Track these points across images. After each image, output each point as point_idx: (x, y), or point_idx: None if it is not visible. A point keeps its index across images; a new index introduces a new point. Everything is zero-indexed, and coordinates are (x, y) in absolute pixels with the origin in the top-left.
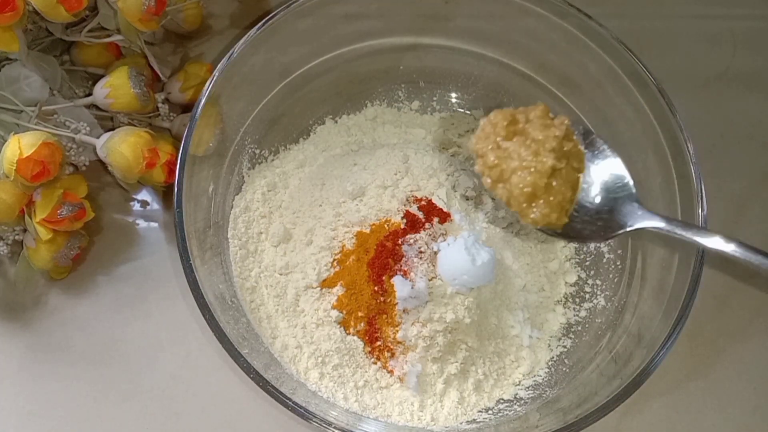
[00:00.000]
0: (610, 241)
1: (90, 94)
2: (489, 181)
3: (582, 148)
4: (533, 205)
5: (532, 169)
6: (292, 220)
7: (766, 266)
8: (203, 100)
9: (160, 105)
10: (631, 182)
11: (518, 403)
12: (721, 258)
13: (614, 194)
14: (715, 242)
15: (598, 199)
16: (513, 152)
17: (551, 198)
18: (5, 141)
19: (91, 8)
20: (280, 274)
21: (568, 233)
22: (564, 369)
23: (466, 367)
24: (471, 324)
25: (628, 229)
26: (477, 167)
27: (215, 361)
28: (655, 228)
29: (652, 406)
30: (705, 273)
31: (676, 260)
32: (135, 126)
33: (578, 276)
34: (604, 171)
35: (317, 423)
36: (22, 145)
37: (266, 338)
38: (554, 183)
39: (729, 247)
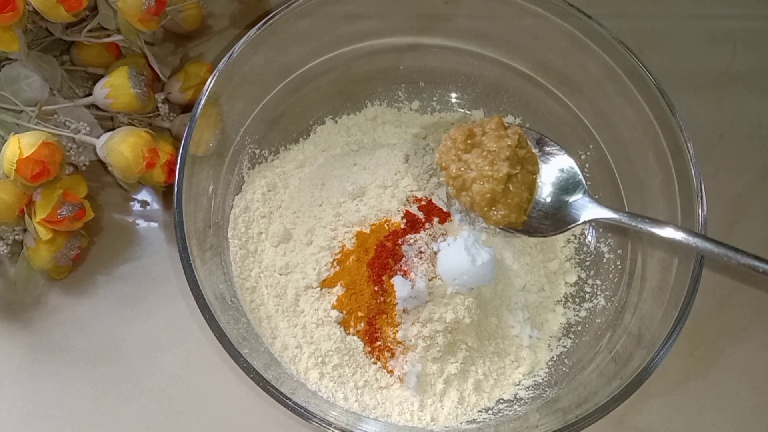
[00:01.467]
0: (610, 241)
1: (90, 94)
2: (453, 190)
3: (536, 152)
4: (494, 208)
5: (490, 178)
6: (292, 220)
7: (714, 254)
8: (203, 100)
9: (160, 105)
10: (582, 179)
11: (518, 403)
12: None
13: (567, 191)
14: (667, 232)
15: (552, 197)
16: (472, 163)
17: (509, 201)
18: (5, 141)
19: (91, 8)
20: (280, 274)
21: (527, 230)
22: (564, 369)
23: (466, 367)
24: (471, 324)
25: (580, 221)
26: (442, 179)
27: (215, 361)
28: (605, 219)
29: (652, 406)
30: (705, 273)
31: (676, 261)
32: (135, 126)
33: (578, 276)
34: (557, 171)
35: (317, 423)
36: (22, 145)
37: (266, 338)
38: (511, 187)
39: (679, 235)
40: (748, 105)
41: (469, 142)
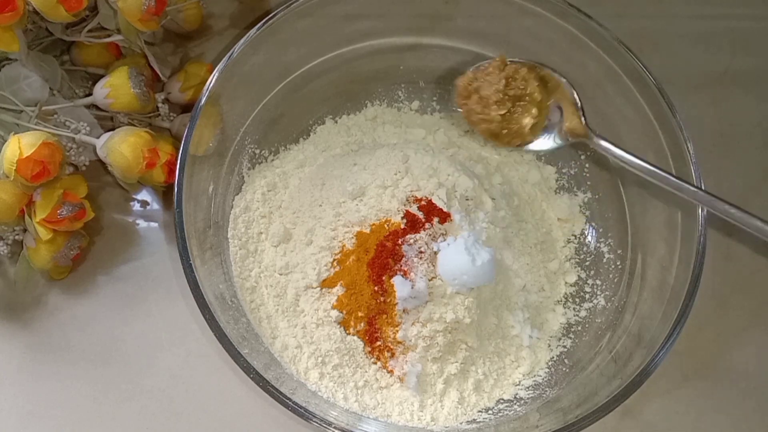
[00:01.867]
0: (610, 241)
1: (90, 94)
2: (468, 125)
3: (536, 84)
4: (498, 138)
5: (486, 119)
6: (292, 220)
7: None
8: (203, 100)
9: (160, 105)
10: (579, 103)
11: (518, 403)
12: (721, 258)
13: (565, 112)
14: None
15: (554, 118)
16: (472, 107)
17: (510, 130)
18: (5, 141)
19: (91, 8)
20: (280, 274)
21: (537, 146)
22: (564, 369)
23: (466, 367)
24: (471, 324)
25: (573, 140)
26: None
27: (215, 361)
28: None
29: (652, 406)
30: (705, 273)
31: (676, 260)
32: (135, 126)
33: (578, 276)
34: (558, 97)
35: (317, 423)
36: (22, 145)
37: (266, 338)
38: (507, 122)
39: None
40: (748, 105)
41: (470, 87)
